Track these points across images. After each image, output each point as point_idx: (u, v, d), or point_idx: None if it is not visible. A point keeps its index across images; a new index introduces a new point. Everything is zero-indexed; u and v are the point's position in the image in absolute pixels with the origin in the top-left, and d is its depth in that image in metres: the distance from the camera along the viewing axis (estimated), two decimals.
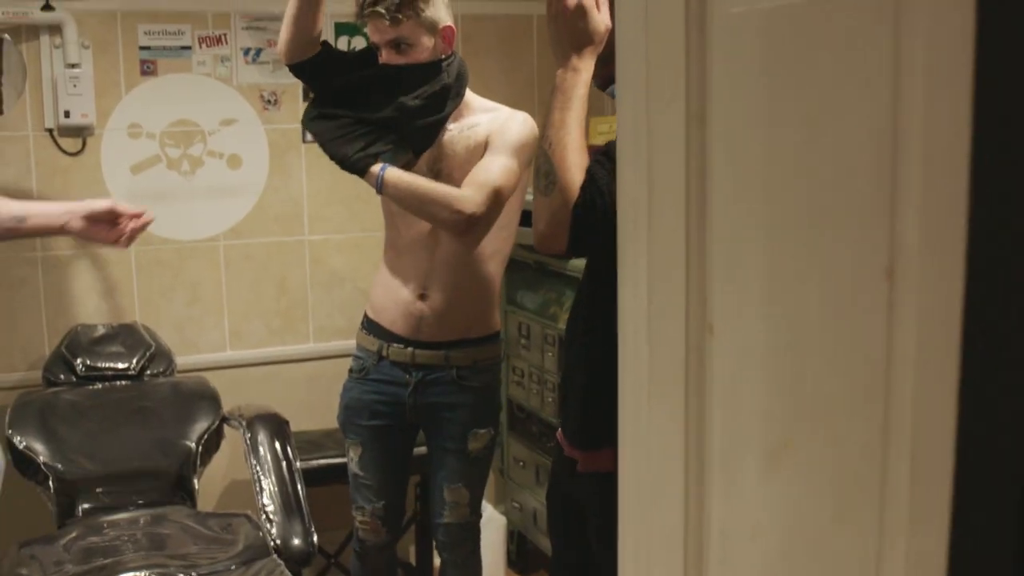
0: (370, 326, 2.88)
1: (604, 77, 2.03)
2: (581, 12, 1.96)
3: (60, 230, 2.64)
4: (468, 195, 2.61)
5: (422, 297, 2.77)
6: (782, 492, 1.12)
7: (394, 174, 2.61)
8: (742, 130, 1.12)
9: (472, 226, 2.65)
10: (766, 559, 1.16)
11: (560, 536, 2.32)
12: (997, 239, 0.82)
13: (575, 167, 1.90)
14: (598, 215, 1.85)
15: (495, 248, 2.81)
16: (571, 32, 1.97)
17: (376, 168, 2.61)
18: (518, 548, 4.21)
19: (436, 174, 2.71)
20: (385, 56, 2.70)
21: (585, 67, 1.96)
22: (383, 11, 2.63)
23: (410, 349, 2.80)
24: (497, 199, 2.65)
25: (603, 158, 1.91)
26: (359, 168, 2.64)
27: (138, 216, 2.66)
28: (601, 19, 1.98)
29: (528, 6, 4.20)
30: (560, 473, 2.26)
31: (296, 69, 2.76)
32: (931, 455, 0.92)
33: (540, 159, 1.95)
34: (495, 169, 2.66)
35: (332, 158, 2.69)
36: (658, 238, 1.25)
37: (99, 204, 2.64)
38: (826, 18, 0.99)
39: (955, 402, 0.85)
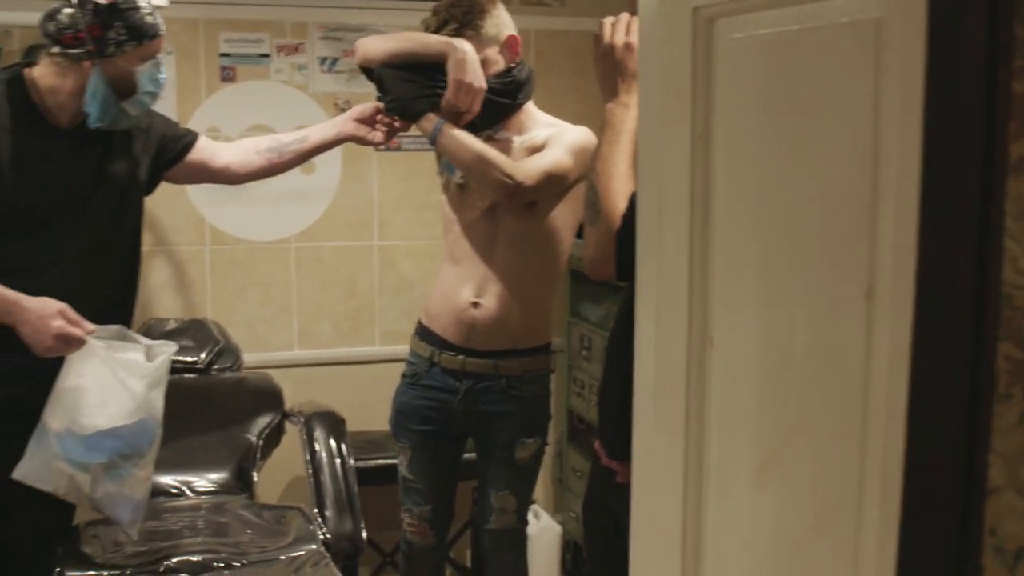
0: (423, 332, 2.94)
1: None
2: (628, 49, 2.01)
3: (336, 138, 2.84)
4: (521, 166, 2.66)
5: (475, 305, 2.81)
6: (769, 503, 1.15)
7: (452, 128, 2.69)
8: (741, 150, 1.16)
9: (519, 194, 2.68)
10: (755, 568, 1.19)
11: (597, 546, 2.35)
12: (944, 259, 0.85)
13: (618, 195, 1.95)
14: None
15: (548, 263, 2.86)
16: (619, 69, 2.01)
17: (433, 118, 2.67)
18: (573, 557, 4.25)
19: None
20: None
21: (633, 102, 2.00)
22: (447, 36, 2.71)
23: (461, 357, 2.85)
24: (548, 179, 2.69)
25: None
26: (417, 110, 2.70)
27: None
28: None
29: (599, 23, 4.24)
30: (598, 484, 2.29)
31: (368, 72, 2.83)
32: (896, 472, 0.95)
33: (588, 189, 2.00)
34: (549, 156, 2.71)
35: (392, 99, 2.74)
36: (667, 255, 1.29)
37: (366, 107, 2.83)
38: (816, 46, 1.03)
39: (904, 418, 0.88)
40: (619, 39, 2.02)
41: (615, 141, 1.99)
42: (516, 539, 3.04)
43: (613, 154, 1.98)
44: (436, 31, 2.71)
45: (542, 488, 4.44)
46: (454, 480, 3.08)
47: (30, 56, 2.44)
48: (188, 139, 2.68)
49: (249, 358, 3.86)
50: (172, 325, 3.66)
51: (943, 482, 0.85)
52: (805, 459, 1.09)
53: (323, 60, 3.99)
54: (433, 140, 2.70)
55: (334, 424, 3.28)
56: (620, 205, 1.95)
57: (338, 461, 3.14)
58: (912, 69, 0.86)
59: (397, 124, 2.82)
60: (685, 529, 1.28)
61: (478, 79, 2.63)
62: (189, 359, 3.53)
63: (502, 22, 2.74)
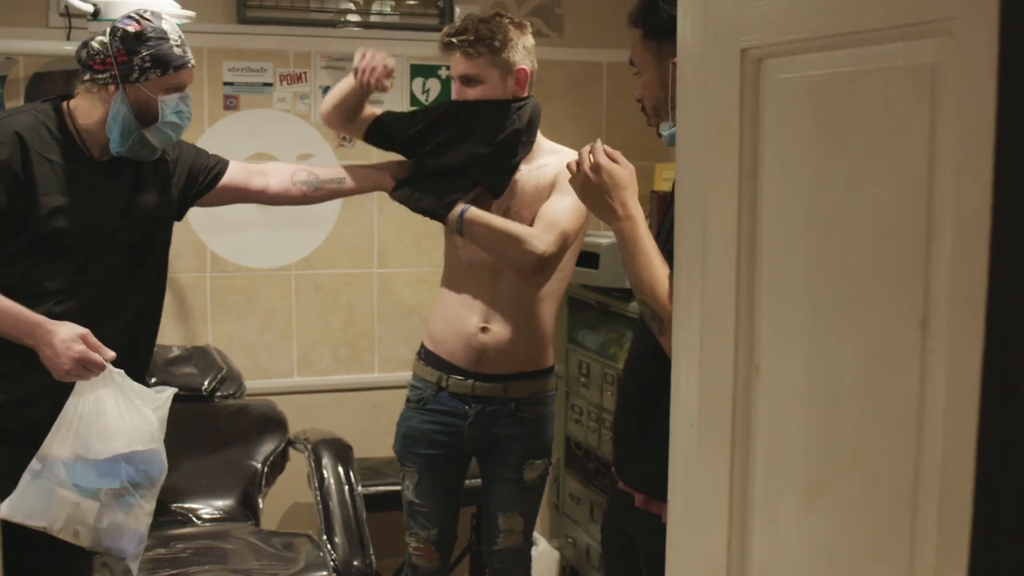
0: (428, 357, 2.97)
1: (656, 125, 2.13)
2: (598, 170, 2.06)
3: (372, 189, 2.98)
4: (539, 234, 2.72)
5: (484, 330, 2.86)
6: (819, 529, 1.19)
7: (473, 214, 2.74)
8: (790, 186, 1.20)
9: (541, 266, 2.77)
10: None
11: (614, 568, 2.38)
12: (1018, 293, 0.90)
13: (668, 294, 1.96)
14: None
15: (553, 287, 2.91)
16: (606, 192, 2.06)
17: (456, 211, 2.74)
18: None
19: (505, 211, 2.82)
20: (457, 90, 2.82)
21: (635, 210, 2.04)
22: (458, 43, 2.77)
23: (470, 381, 2.89)
24: (565, 240, 2.77)
25: None
26: (440, 216, 2.80)
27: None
28: (624, 165, 2.08)
29: (597, 53, 4.30)
30: (615, 506, 2.33)
31: (369, 141, 2.93)
32: (957, 497, 0.99)
33: (643, 307, 2.01)
34: (563, 210, 2.76)
35: (417, 212, 2.85)
36: (711, 285, 1.33)
37: (404, 163, 2.92)
38: (868, 88, 1.07)
39: (974, 447, 0.92)
40: (587, 166, 2.06)
41: (638, 252, 2.00)
42: (523, 559, 3.09)
43: (644, 263, 1.99)
44: (452, 35, 2.77)
45: (540, 514, 4.46)
46: (459, 502, 3.11)
47: (35, 85, 2.49)
48: (219, 168, 2.72)
49: (249, 385, 3.87)
50: (175, 352, 3.67)
51: (1013, 507, 0.89)
52: (858, 484, 1.12)
53: (325, 89, 4.02)
54: (460, 230, 2.76)
55: (341, 451, 3.31)
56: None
57: (346, 488, 3.16)
58: (975, 113, 0.91)
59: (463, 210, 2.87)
60: (730, 554, 1.31)
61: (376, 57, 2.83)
62: (193, 386, 3.54)
63: (520, 52, 2.79)
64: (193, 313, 3.98)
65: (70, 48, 3.56)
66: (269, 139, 3.99)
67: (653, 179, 4.10)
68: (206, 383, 3.60)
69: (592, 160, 2.07)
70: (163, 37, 2.41)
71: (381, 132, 2.90)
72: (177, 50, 2.43)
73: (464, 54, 2.75)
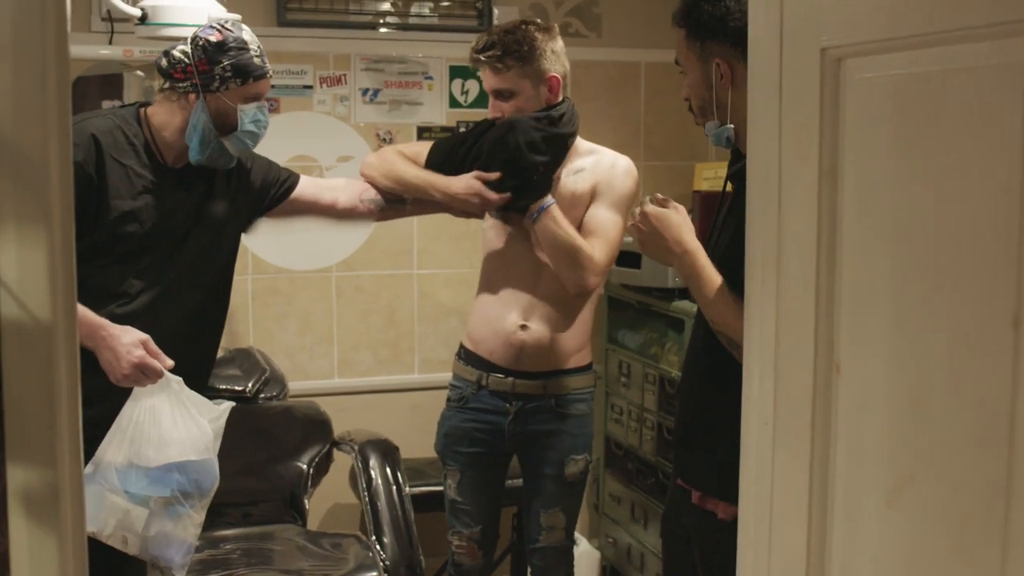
0: (468, 356, 3.00)
1: (703, 124, 2.14)
2: (654, 218, 2.08)
3: (437, 208, 2.91)
4: (596, 260, 2.76)
5: (523, 328, 2.88)
6: (903, 527, 1.19)
7: (555, 210, 2.75)
8: (872, 185, 1.20)
9: (588, 292, 2.84)
10: None
11: (672, 559, 2.40)
12: None
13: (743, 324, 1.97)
14: None
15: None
16: (659, 236, 2.08)
17: (542, 201, 2.75)
18: None
19: None
20: (492, 104, 2.84)
21: (691, 245, 2.06)
22: (486, 59, 2.78)
23: (510, 379, 2.91)
24: (612, 262, 2.86)
25: None
26: (527, 202, 2.79)
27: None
28: (672, 207, 2.11)
29: (635, 53, 4.31)
30: (674, 500, 2.34)
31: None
32: None
33: (720, 337, 2.03)
34: (613, 231, 2.81)
35: (522, 199, 2.82)
36: (788, 284, 1.33)
37: (473, 183, 2.83)
38: (957, 87, 1.07)
39: None
40: (636, 220, 2.11)
41: (702, 283, 2.01)
42: (566, 556, 3.10)
43: (709, 293, 2.00)
44: (480, 50, 2.77)
45: (581, 514, 4.47)
46: (500, 501, 3.13)
47: (75, 89, 2.51)
48: (290, 182, 2.74)
49: (291, 387, 3.89)
50: (220, 354, 3.68)
51: None
52: (944, 483, 1.12)
53: (364, 91, 4.05)
54: (535, 219, 2.74)
55: (388, 451, 3.33)
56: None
57: (394, 488, 3.18)
58: None
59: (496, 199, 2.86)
60: (809, 553, 1.31)
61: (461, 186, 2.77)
62: (237, 388, 3.56)
63: (551, 60, 2.80)
64: (235, 315, 4.00)
65: (108, 52, 3.60)
66: (310, 141, 4.02)
67: (694, 179, 4.10)
68: (250, 385, 3.62)
69: (633, 221, 2.11)
70: (243, 47, 2.44)
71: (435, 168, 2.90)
72: (257, 60, 2.46)
73: (493, 69, 2.77)
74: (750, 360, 1.44)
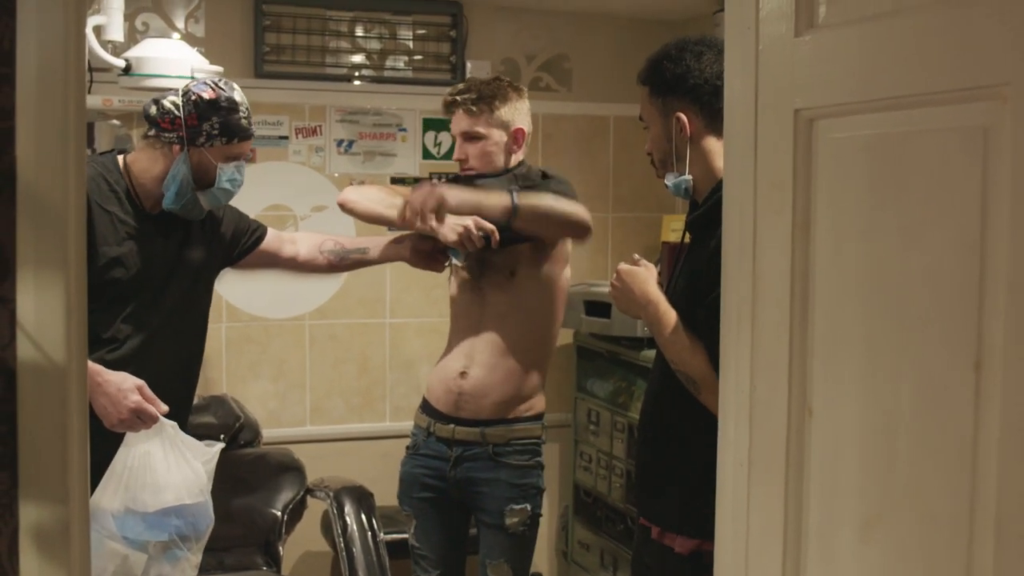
0: (424, 405, 3.08)
1: (663, 176, 2.25)
2: (625, 273, 2.18)
3: (395, 260, 3.00)
4: (576, 205, 2.82)
5: (462, 375, 2.96)
6: (875, 560, 1.25)
7: (523, 199, 2.74)
8: (843, 238, 1.28)
9: (590, 231, 2.84)
10: None
11: None
12: None
13: (700, 362, 2.04)
14: None
15: (533, 336, 2.99)
16: (629, 291, 2.18)
17: (507, 199, 2.75)
18: None
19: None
20: (458, 147, 2.94)
21: (654, 296, 2.15)
22: (461, 100, 2.91)
23: (451, 425, 2.98)
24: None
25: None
26: (499, 206, 2.76)
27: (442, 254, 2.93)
28: (642, 266, 2.20)
29: (605, 107, 4.42)
30: (638, 540, 2.40)
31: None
32: (1014, 528, 1.06)
33: (680, 376, 2.10)
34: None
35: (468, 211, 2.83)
36: (762, 331, 1.41)
37: (427, 243, 2.90)
38: (921, 147, 1.16)
39: None
40: (611, 280, 2.23)
41: (663, 327, 2.10)
42: None
43: (671, 338, 2.09)
44: (455, 95, 2.87)
45: (547, 562, 4.50)
46: (461, 549, 3.14)
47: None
48: (259, 232, 2.80)
49: (264, 434, 3.92)
50: (195, 401, 3.71)
51: None
52: (913, 519, 1.19)
53: (339, 142, 4.13)
54: (514, 211, 2.73)
55: (363, 498, 3.35)
56: (705, 367, 2.03)
57: (369, 534, 3.20)
58: None
59: (452, 263, 2.94)
60: None
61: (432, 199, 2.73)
62: (211, 435, 3.57)
63: (518, 113, 2.92)
64: (209, 362, 4.02)
65: (87, 101, 3.64)
66: (285, 191, 4.07)
67: (661, 230, 4.19)
68: (224, 432, 3.64)
69: (615, 272, 2.22)
70: (234, 108, 2.50)
71: None
72: (244, 121, 2.52)
73: (467, 111, 2.89)
74: (725, 402, 1.51)
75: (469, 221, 2.77)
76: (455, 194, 2.70)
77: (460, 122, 2.92)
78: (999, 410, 1.07)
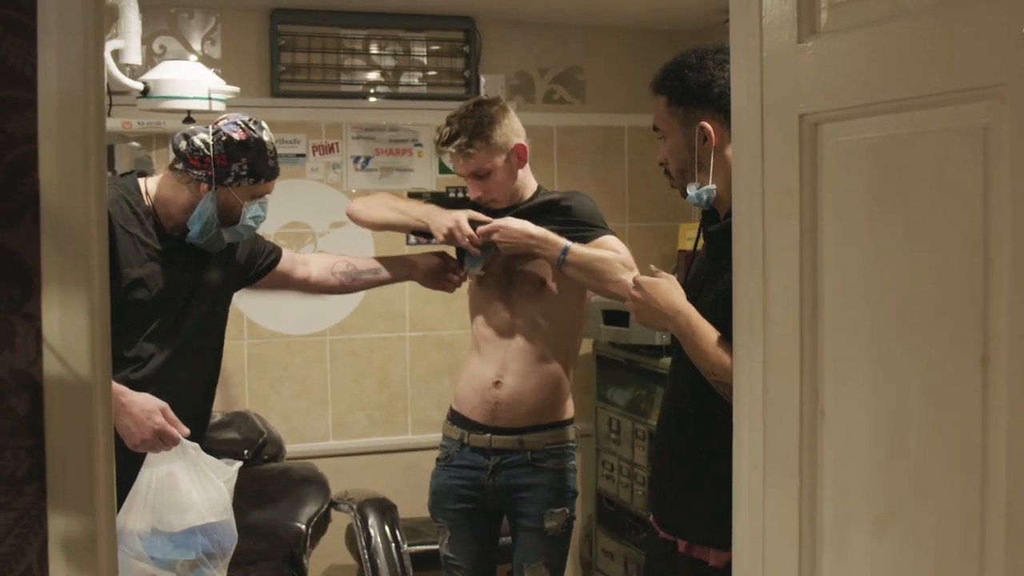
0: (454, 417, 3.10)
1: (681, 187, 2.24)
2: (647, 285, 2.16)
3: (408, 277, 3.07)
4: (622, 258, 2.83)
5: (497, 384, 2.98)
6: (887, 557, 1.27)
7: (574, 252, 2.80)
8: (850, 240, 1.30)
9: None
10: None
11: None
12: None
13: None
14: None
15: (565, 342, 3.02)
16: (652, 301, 2.16)
17: (561, 245, 2.80)
18: None
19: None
20: (471, 187, 2.97)
21: (681, 306, 2.13)
22: (454, 150, 2.90)
23: (488, 435, 3.01)
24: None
25: None
26: (553, 245, 2.85)
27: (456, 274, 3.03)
28: (662, 276, 2.19)
29: (619, 118, 4.45)
30: (654, 555, 2.39)
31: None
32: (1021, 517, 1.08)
33: (719, 387, 2.07)
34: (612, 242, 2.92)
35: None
36: (774, 334, 1.42)
37: (436, 263, 3.03)
38: (924, 148, 1.18)
39: None
40: (631, 292, 2.20)
41: (697, 339, 2.08)
42: None
43: (704, 348, 2.07)
44: (447, 143, 2.88)
45: (572, 572, 4.51)
46: (494, 556, 3.17)
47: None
48: (275, 255, 2.84)
49: (287, 449, 3.95)
50: (217, 417, 3.74)
51: None
52: (924, 514, 1.21)
53: (356, 159, 4.17)
54: (560, 265, 2.81)
55: (387, 509, 3.38)
56: None
57: (393, 546, 3.23)
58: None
59: (458, 278, 3.04)
60: None
61: (460, 228, 2.87)
62: (235, 451, 3.61)
63: (511, 131, 2.91)
64: (231, 379, 4.07)
65: (107, 124, 3.69)
66: (303, 208, 4.12)
67: (677, 238, 4.21)
68: (248, 447, 3.68)
69: (634, 283, 2.20)
70: (262, 149, 2.53)
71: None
72: (271, 162, 2.55)
73: (464, 156, 2.88)
74: (739, 406, 1.53)
75: (461, 215, 2.85)
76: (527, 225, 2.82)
77: (462, 166, 2.92)
78: (1006, 403, 1.09)
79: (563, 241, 2.80)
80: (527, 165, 2.98)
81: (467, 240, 2.85)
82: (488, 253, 2.90)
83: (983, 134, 1.10)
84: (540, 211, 2.91)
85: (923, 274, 1.19)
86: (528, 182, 3.01)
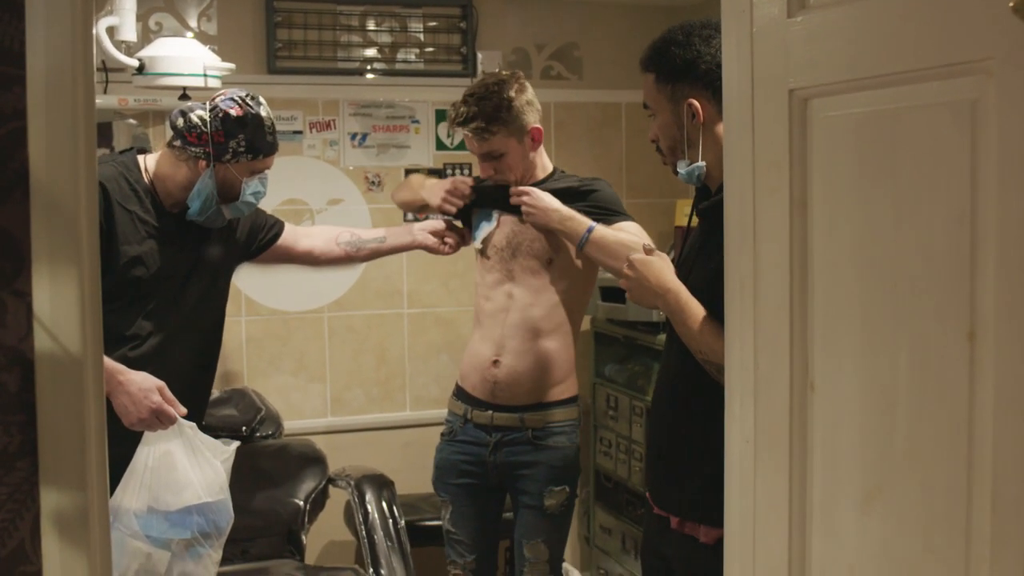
0: (458, 392, 3.12)
1: (672, 164, 2.23)
2: (638, 263, 2.17)
3: (410, 245, 3.08)
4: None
5: (495, 363, 2.99)
6: (876, 530, 1.28)
7: (597, 234, 2.78)
8: (838, 214, 1.30)
9: None
10: None
11: None
12: None
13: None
14: None
15: (561, 320, 3.02)
16: (644, 279, 2.17)
17: (585, 224, 2.79)
18: None
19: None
20: (482, 167, 2.96)
21: (672, 284, 2.14)
22: (470, 132, 2.90)
23: (489, 412, 3.02)
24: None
25: None
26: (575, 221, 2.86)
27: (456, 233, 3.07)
28: (656, 256, 2.20)
29: (616, 94, 4.44)
30: (651, 531, 2.40)
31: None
32: (1009, 492, 1.08)
33: (707, 365, 2.08)
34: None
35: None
36: (764, 309, 1.43)
37: (439, 223, 3.06)
38: (911, 122, 1.18)
39: None
40: (625, 271, 2.20)
41: (686, 316, 2.09)
42: None
43: (693, 325, 2.08)
44: (463, 123, 2.87)
45: (570, 548, 4.53)
46: (496, 532, 3.19)
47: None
48: (276, 228, 2.84)
49: (285, 425, 3.96)
50: (215, 394, 3.75)
51: None
52: (913, 486, 1.21)
53: (353, 135, 4.16)
54: (582, 246, 2.80)
55: (384, 486, 3.39)
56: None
57: (390, 522, 3.24)
58: (1014, 142, 1.01)
59: (459, 240, 3.07)
60: (791, 561, 1.40)
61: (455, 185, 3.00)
62: (234, 427, 3.62)
63: (528, 111, 2.90)
64: (229, 356, 4.08)
65: (102, 102, 3.68)
66: (300, 185, 4.11)
67: (675, 215, 4.21)
68: (246, 424, 3.69)
69: (628, 262, 2.20)
70: (260, 125, 2.51)
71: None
72: (269, 137, 2.54)
73: (480, 139, 2.87)
74: (731, 382, 1.54)
75: (448, 184, 2.95)
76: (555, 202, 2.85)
77: (476, 146, 2.92)
78: (992, 378, 1.10)
79: (588, 221, 2.79)
80: (541, 146, 2.97)
81: (461, 188, 2.93)
82: (490, 222, 2.91)
83: (971, 109, 1.10)
84: (562, 195, 2.89)
85: (911, 249, 1.19)
86: (542, 162, 3.00)
